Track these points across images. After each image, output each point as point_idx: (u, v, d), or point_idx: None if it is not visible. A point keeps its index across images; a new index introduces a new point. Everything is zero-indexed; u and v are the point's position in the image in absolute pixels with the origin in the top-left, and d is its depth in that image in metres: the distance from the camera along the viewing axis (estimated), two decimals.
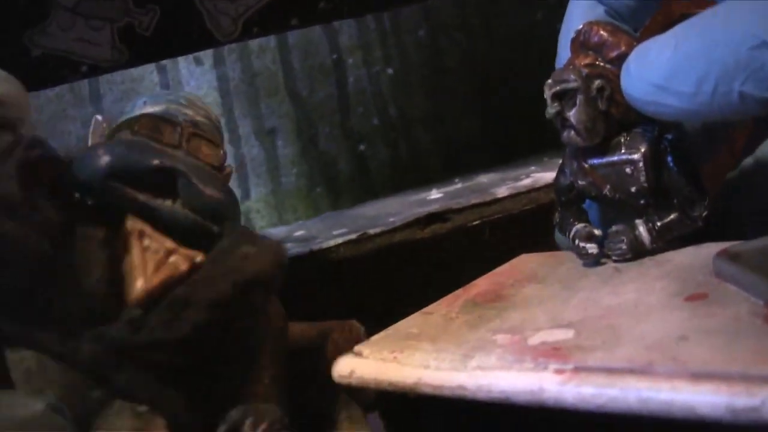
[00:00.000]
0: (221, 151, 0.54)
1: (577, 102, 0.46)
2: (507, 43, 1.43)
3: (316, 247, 0.81)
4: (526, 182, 0.91)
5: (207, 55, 1.29)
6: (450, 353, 0.39)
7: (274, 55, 1.33)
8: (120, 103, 1.24)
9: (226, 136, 1.29)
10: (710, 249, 0.43)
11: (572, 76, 0.46)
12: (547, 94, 0.47)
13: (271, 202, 1.31)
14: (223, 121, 1.29)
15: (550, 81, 0.48)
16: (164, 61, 1.27)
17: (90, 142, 0.52)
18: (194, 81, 1.28)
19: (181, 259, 0.46)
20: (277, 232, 1.17)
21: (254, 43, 1.31)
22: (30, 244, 0.40)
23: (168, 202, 0.48)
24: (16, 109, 0.47)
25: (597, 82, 0.46)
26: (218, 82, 1.30)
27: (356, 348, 0.45)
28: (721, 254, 0.40)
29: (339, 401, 0.49)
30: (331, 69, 1.36)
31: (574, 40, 0.48)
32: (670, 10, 0.51)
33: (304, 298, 0.58)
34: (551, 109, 0.47)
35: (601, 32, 0.47)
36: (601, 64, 0.46)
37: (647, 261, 0.46)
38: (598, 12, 0.49)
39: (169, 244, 0.46)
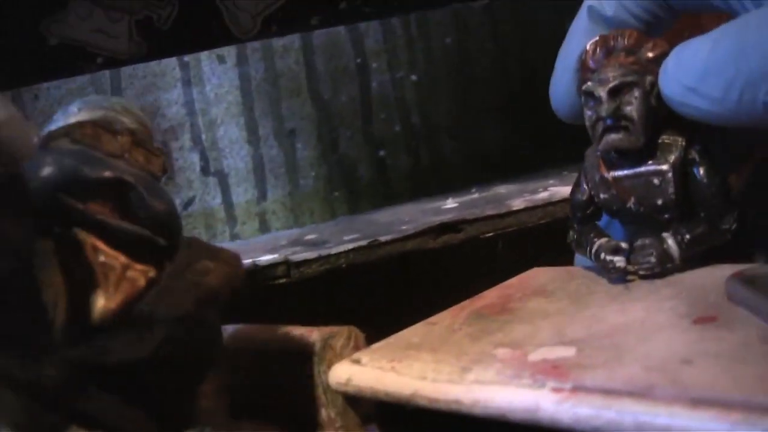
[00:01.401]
0: (162, 160, 0.52)
1: (637, 96, 0.45)
2: (537, 54, 1.42)
3: (324, 252, 0.80)
4: (543, 195, 0.89)
5: (230, 53, 1.29)
6: (449, 365, 0.38)
7: (298, 56, 1.32)
8: (142, 97, 1.25)
9: (245, 135, 1.29)
10: (724, 271, 0.42)
11: (624, 71, 0.45)
12: (601, 92, 0.46)
13: (288, 204, 1.30)
14: (242, 120, 1.29)
15: (593, 82, 0.46)
16: (186, 58, 1.27)
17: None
18: (216, 78, 1.28)
19: (137, 275, 0.44)
20: (289, 234, 1.17)
21: (278, 43, 1.31)
22: None
23: (116, 218, 0.46)
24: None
25: (649, 78, 0.45)
26: (240, 80, 1.30)
27: (355, 355, 0.45)
28: (735, 276, 0.39)
29: (335, 410, 0.48)
30: (355, 72, 1.36)
31: (594, 49, 0.47)
32: (699, 23, 0.50)
33: (310, 303, 0.58)
34: (607, 106, 0.45)
35: (635, 35, 0.46)
36: (644, 62, 0.45)
37: (659, 281, 0.45)
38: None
39: (123, 259, 0.44)
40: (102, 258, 0.43)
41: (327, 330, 0.49)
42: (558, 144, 1.28)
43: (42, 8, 1.15)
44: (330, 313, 0.53)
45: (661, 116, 0.46)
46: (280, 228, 1.29)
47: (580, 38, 0.50)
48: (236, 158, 1.28)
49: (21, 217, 0.40)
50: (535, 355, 0.37)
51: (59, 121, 0.49)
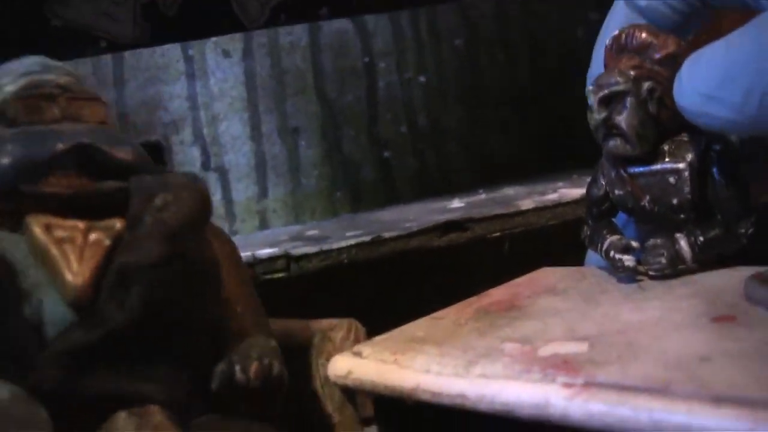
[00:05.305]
0: (101, 103, 0.49)
1: (627, 105, 0.43)
2: (546, 61, 1.41)
3: (326, 246, 0.79)
4: (552, 197, 0.88)
5: (236, 48, 1.28)
6: (454, 358, 0.37)
7: (305, 54, 1.31)
8: (144, 90, 1.23)
9: (248, 131, 1.28)
10: (742, 272, 0.40)
11: (619, 79, 0.44)
12: (593, 99, 0.45)
13: (289, 203, 1.29)
14: (246, 116, 1.28)
15: (592, 86, 0.45)
16: (191, 51, 1.26)
17: None
18: (221, 73, 1.27)
19: (101, 234, 0.42)
20: (289, 230, 1.15)
21: (285, 40, 1.30)
22: None
23: (85, 183, 0.44)
24: None
25: (647, 84, 0.43)
26: (245, 76, 1.28)
27: (356, 348, 0.43)
28: (755, 277, 0.37)
29: (333, 404, 0.46)
30: (362, 72, 1.35)
31: (611, 45, 0.46)
32: (719, 25, 0.48)
33: (310, 298, 0.56)
34: (597, 116, 0.44)
35: (644, 34, 0.44)
36: (648, 65, 0.44)
37: (674, 281, 0.43)
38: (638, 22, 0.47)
39: (81, 224, 0.42)
40: (59, 233, 0.41)
41: (326, 322, 0.48)
42: (567, 148, 1.27)
43: None
44: (330, 309, 0.52)
45: (666, 121, 0.44)
46: (280, 227, 1.27)
47: (615, 27, 0.48)
48: (238, 154, 1.27)
49: None
50: (545, 351, 0.35)
51: None
